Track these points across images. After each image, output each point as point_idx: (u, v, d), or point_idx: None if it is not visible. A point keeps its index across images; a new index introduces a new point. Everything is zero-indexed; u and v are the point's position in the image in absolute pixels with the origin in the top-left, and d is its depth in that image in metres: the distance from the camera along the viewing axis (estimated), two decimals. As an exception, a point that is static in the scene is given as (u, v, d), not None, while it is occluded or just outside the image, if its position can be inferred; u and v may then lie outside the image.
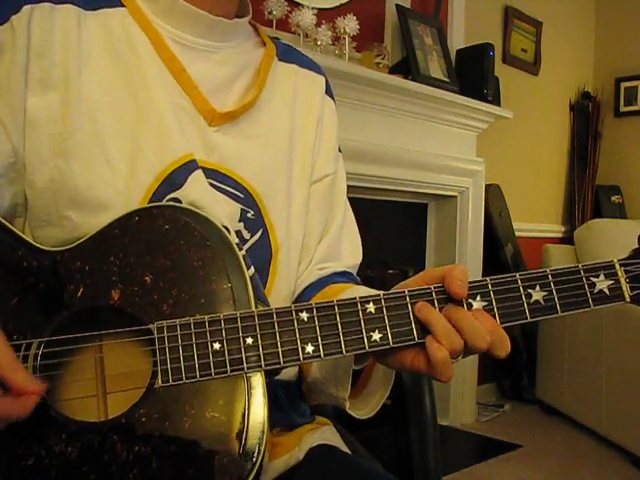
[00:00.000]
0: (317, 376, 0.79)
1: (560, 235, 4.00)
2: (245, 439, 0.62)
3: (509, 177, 3.55)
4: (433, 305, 0.65)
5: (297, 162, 0.86)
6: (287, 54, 0.91)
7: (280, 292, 0.81)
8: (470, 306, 0.65)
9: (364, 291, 0.77)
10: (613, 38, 4.17)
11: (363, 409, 0.76)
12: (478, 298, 0.66)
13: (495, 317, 0.66)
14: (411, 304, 0.66)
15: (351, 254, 0.94)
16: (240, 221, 0.79)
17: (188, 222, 0.68)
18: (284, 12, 2.40)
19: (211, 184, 0.77)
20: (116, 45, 0.76)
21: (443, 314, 0.64)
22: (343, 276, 0.90)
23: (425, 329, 0.65)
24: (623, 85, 4.10)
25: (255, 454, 0.62)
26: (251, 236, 0.79)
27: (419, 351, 0.65)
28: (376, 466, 0.88)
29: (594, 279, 0.68)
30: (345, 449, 0.87)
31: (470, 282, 0.66)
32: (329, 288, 0.86)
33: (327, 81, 0.94)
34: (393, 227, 3.00)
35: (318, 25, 2.45)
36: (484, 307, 0.66)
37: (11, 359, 0.58)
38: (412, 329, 0.65)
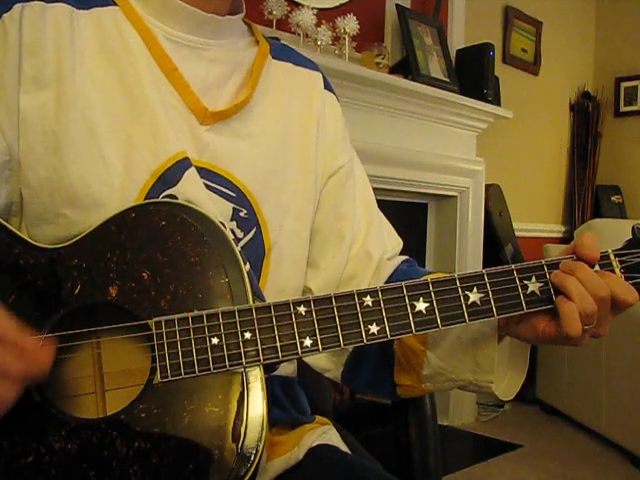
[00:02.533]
0: (442, 366, 0.79)
1: (560, 235, 4.00)
2: (244, 433, 0.62)
3: (509, 177, 3.54)
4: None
5: (294, 160, 0.86)
6: (281, 53, 0.91)
7: (272, 290, 0.81)
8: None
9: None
10: (613, 38, 4.17)
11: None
12: (474, 290, 0.67)
13: (492, 309, 0.67)
14: (409, 296, 0.67)
15: (396, 239, 0.98)
16: (232, 220, 0.78)
17: (185, 218, 0.68)
18: (284, 12, 2.40)
19: (203, 183, 0.76)
20: (109, 43, 0.76)
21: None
22: (413, 264, 0.94)
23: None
24: (623, 85, 4.10)
25: (254, 447, 0.62)
26: (244, 235, 0.79)
27: (550, 319, 0.68)
28: (376, 466, 0.88)
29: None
30: (345, 449, 0.87)
31: (465, 274, 0.67)
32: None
33: (324, 77, 0.93)
34: (393, 227, 2.98)
35: (318, 25, 2.45)
36: (480, 299, 0.67)
37: (17, 325, 0.58)
38: (410, 322, 0.66)
